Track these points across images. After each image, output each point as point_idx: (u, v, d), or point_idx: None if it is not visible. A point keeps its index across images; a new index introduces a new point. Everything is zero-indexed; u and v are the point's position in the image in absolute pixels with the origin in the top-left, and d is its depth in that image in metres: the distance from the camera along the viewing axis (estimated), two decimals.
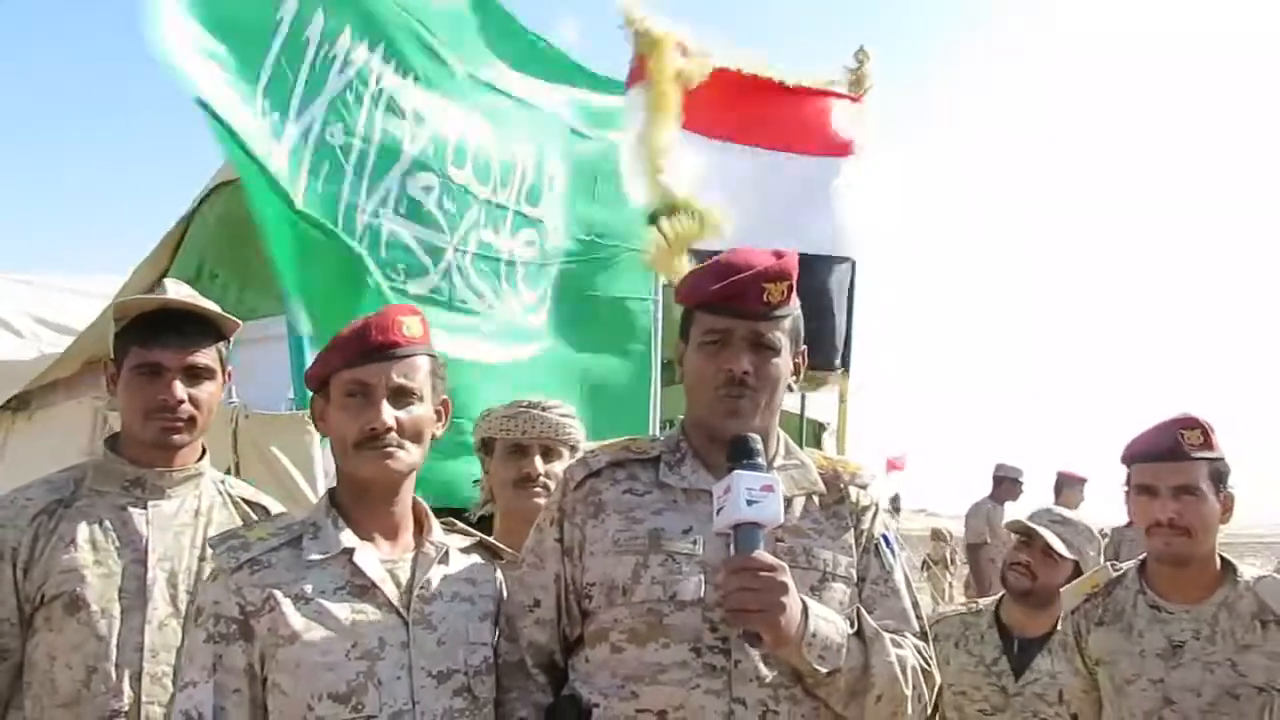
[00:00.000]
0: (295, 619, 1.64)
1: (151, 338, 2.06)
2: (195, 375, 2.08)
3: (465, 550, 1.91)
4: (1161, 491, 2.32)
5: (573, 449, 2.51)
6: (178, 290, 2.18)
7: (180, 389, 2.05)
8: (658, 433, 3.18)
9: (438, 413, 1.84)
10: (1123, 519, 9.24)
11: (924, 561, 11.84)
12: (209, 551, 1.82)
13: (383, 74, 3.16)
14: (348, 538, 1.73)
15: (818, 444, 6.42)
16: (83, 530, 2.00)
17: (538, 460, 2.45)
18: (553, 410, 2.50)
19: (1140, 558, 2.52)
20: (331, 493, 1.83)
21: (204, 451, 2.19)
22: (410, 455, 1.77)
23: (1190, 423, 2.36)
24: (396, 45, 3.20)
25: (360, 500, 1.78)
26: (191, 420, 2.08)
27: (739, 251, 1.85)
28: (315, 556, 1.70)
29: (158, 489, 2.09)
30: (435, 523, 1.88)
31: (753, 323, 1.78)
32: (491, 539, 2.01)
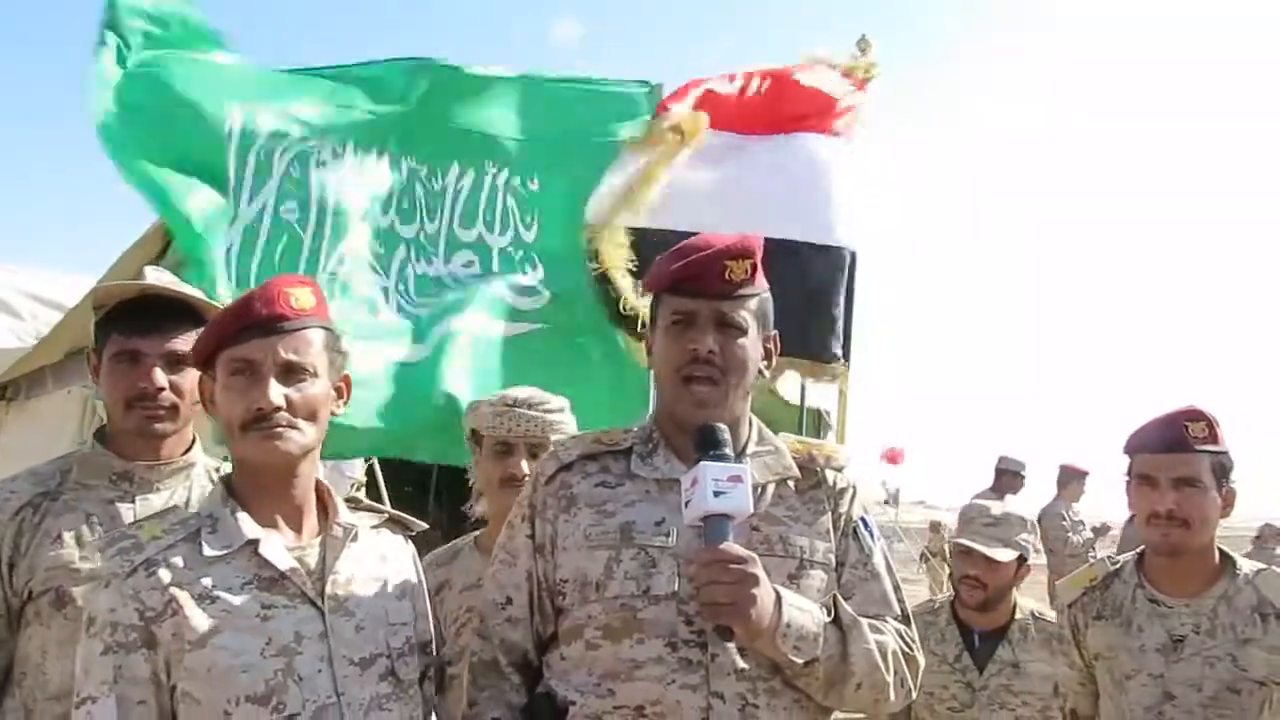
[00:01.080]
0: (201, 621, 1.53)
1: (131, 325, 2.02)
2: (177, 362, 2.04)
3: (375, 528, 1.82)
4: (1161, 482, 2.30)
5: None
6: (158, 277, 2.15)
7: (160, 376, 2.01)
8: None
9: (338, 389, 1.73)
10: (1124, 512, 9.22)
11: (922, 554, 11.84)
12: (96, 555, 1.74)
13: (319, 148, 3.47)
14: (249, 527, 1.62)
15: (818, 435, 6.39)
16: (69, 525, 1.97)
17: (524, 462, 2.37)
18: (540, 407, 2.42)
19: (1138, 551, 2.50)
20: (226, 480, 1.71)
21: (194, 442, 2.16)
22: (303, 436, 1.64)
23: (1195, 415, 2.33)
24: (329, 124, 3.51)
25: (256, 486, 1.66)
26: (174, 408, 2.05)
27: (702, 235, 1.82)
28: (217, 551, 1.59)
29: (146, 482, 2.05)
30: (340, 502, 1.77)
31: (716, 302, 1.75)
32: (404, 515, 1.92)
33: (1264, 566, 2.42)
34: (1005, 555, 2.98)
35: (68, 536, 1.96)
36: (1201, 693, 2.27)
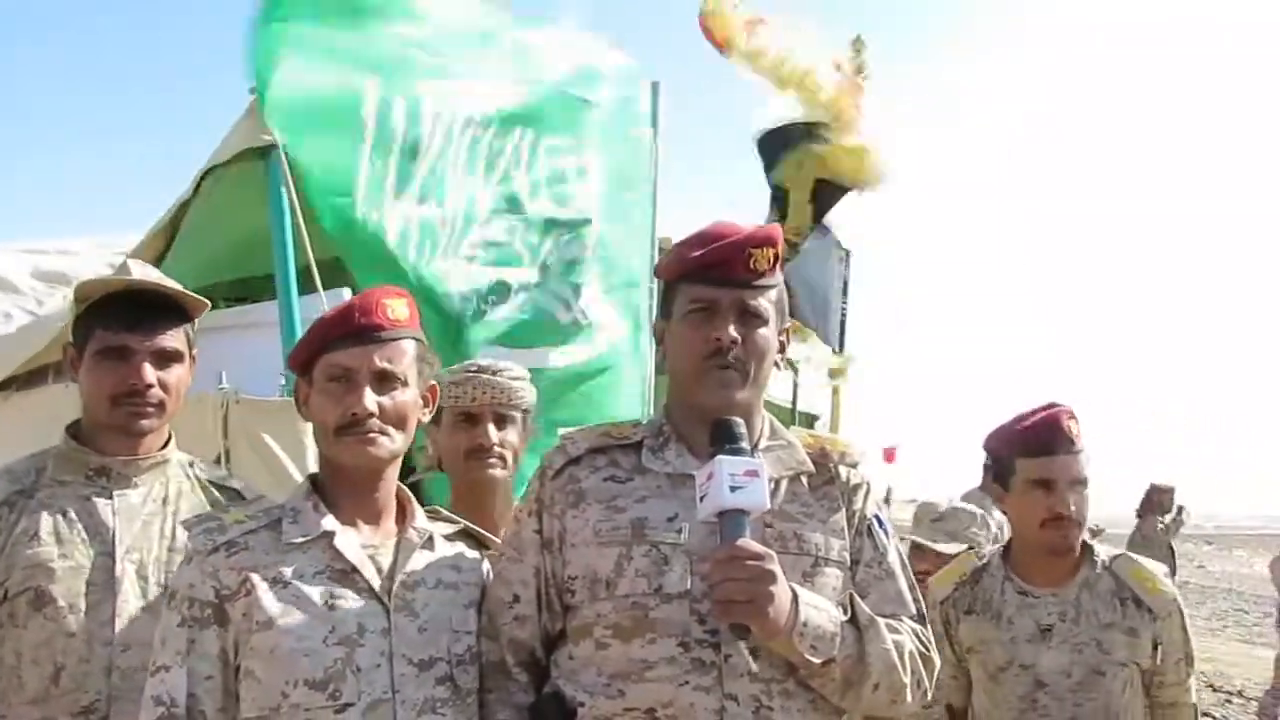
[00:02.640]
0: (271, 603, 1.61)
1: (118, 320, 1.98)
2: (164, 358, 2.01)
3: (449, 537, 1.86)
4: (1060, 485, 2.34)
5: (525, 414, 2.39)
6: (142, 271, 2.10)
7: (150, 372, 1.98)
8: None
9: (424, 398, 1.81)
10: (1127, 510, 9.28)
11: None
12: (184, 533, 1.79)
13: (463, 135, 3.45)
14: (328, 521, 1.70)
15: None
16: (46, 523, 1.92)
17: (490, 429, 2.31)
18: (503, 373, 2.35)
19: (1003, 544, 2.60)
20: (313, 477, 1.80)
21: (170, 438, 2.12)
22: (393, 442, 1.73)
23: (1070, 413, 2.39)
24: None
25: (342, 486, 1.75)
26: (161, 405, 2.01)
27: (720, 223, 1.79)
28: (295, 540, 1.67)
29: (123, 478, 2.01)
30: (419, 509, 1.84)
31: (739, 291, 1.72)
32: (480, 529, 1.95)
33: (1120, 552, 2.52)
34: (951, 548, 3.05)
35: (45, 534, 1.92)
36: (1070, 679, 2.35)
